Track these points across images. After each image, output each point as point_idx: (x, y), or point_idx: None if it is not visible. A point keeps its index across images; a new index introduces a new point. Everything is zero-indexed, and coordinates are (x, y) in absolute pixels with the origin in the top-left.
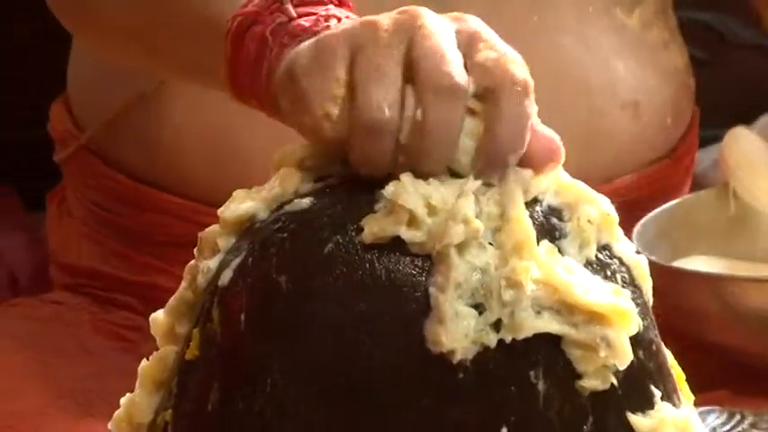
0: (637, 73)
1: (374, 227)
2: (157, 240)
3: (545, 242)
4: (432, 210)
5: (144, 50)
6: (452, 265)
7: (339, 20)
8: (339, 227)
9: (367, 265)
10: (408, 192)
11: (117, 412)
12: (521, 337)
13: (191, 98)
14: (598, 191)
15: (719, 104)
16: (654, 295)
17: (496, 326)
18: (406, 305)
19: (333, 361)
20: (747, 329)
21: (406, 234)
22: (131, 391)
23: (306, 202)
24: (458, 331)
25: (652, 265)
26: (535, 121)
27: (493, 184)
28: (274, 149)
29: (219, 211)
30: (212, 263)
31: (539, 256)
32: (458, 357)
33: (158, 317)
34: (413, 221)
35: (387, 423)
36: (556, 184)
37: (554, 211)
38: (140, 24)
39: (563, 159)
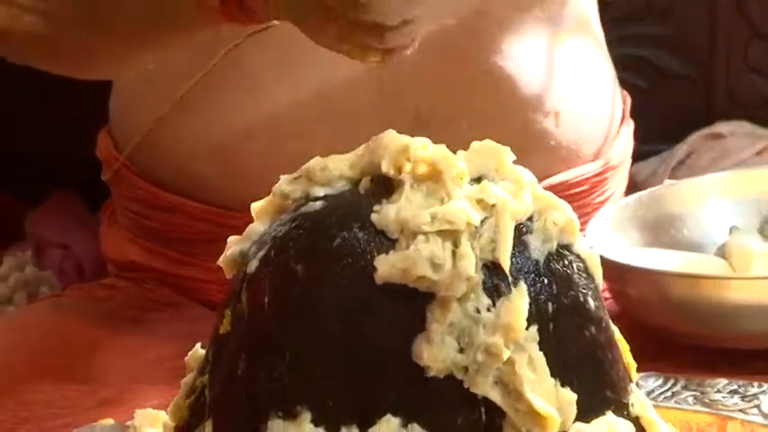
0: (562, 85)
1: (385, 266)
2: (182, 239)
3: (533, 328)
4: (437, 267)
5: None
6: (451, 308)
7: None
8: (345, 225)
9: (367, 257)
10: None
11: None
12: (475, 391)
13: (202, 118)
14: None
15: (656, 124)
16: (604, 282)
17: (465, 369)
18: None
19: (339, 337)
20: (675, 313)
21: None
22: (172, 356)
23: (318, 204)
24: (438, 355)
25: (602, 258)
26: None
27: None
28: (271, 161)
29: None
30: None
31: (520, 340)
32: (432, 373)
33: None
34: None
35: (380, 387)
36: (531, 194)
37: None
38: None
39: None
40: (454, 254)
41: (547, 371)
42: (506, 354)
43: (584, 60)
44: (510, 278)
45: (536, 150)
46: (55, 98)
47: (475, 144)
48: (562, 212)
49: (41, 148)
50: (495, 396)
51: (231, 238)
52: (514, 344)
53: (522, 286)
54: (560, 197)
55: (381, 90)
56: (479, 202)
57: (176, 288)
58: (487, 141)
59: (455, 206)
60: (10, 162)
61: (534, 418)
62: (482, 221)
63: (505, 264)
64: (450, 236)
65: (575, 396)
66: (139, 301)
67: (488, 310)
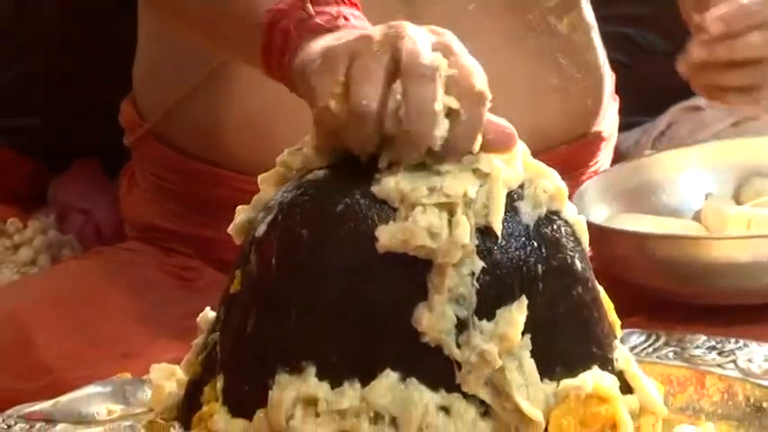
0: (565, 67)
1: (386, 236)
2: (202, 202)
3: (526, 337)
4: (434, 236)
5: (207, 35)
6: (448, 273)
7: (347, 19)
8: (348, 192)
9: (369, 222)
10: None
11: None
12: (465, 390)
13: (230, 90)
14: (541, 158)
15: (639, 99)
16: (590, 245)
17: (458, 364)
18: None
19: (342, 297)
20: (656, 272)
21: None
22: (187, 316)
23: (322, 173)
24: (436, 325)
25: (588, 223)
26: (490, 117)
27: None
28: (295, 131)
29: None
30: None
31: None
32: (426, 339)
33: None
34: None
35: (380, 344)
36: (522, 163)
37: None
38: (210, 16)
39: (517, 142)
40: (450, 222)
41: (536, 374)
42: (499, 363)
43: (587, 37)
44: (502, 242)
45: (544, 119)
46: (77, 73)
47: None
48: (552, 180)
49: (64, 120)
50: (485, 395)
51: (239, 208)
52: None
53: (524, 301)
54: (557, 167)
55: None
56: (475, 171)
57: (194, 248)
58: None
59: (452, 180)
60: (34, 133)
61: (521, 418)
62: (477, 189)
63: (497, 228)
64: (447, 207)
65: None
66: (157, 263)
67: (478, 280)
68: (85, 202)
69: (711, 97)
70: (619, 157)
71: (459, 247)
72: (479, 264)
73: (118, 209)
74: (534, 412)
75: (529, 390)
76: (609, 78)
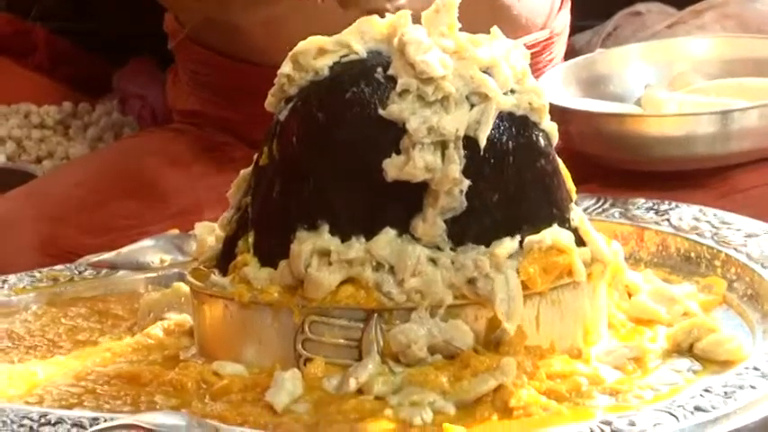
0: None
1: (393, 170)
2: (231, 90)
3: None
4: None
5: None
6: (441, 197)
7: None
8: (355, 82)
9: (372, 106)
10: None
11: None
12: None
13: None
14: None
15: (590, 4)
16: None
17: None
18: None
19: (350, 167)
20: (606, 144)
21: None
22: (222, 183)
23: (335, 67)
24: (429, 231)
25: (550, 104)
26: None
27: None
28: (305, 33)
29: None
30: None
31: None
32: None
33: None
34: None
35: (381, 206)
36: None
37: None
38: None
39: None
40: (444, 155)
41: (520, 290)
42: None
43: None
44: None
45: (501, 20)
46: None
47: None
48: (539, 98)
49: (125, 24)
50: (467, 292)
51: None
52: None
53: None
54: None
55: None
56: (479, 94)
57: (225, 128)
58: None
59: (449, 119)
60: (101, 35)
61: None
62: (475, 105)
63: (482, 142)
64: (441, 143)
65: None
66: (198, 141)
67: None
68: (142, 90)
69: None
70: (574, 53)
71: (450, 180)
72: (466, 183)
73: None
74: (510, 327)
75: (510, 305)
76: None
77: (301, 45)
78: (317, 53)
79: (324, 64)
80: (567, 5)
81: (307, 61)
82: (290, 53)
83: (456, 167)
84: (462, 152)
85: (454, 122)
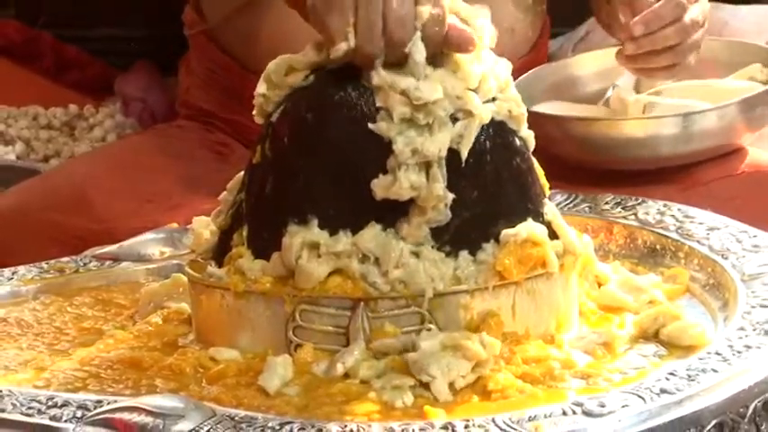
0: (512, 11)
1: (380, 190)
2: (239, 95)
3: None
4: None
5: None
6: (426, 211)
7: None
8: (342, 87)
9: (358, 108)
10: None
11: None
12: None
13: (266, 14)
14: None
15: (563, 12)
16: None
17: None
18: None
19: (338, 165)
20: (575, 146)
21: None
22: (220, 181)
23: (323, 73)
24: (414, 233)
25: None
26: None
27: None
28: None
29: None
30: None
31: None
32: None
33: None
34: None
35: (367, 203)
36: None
37: None
38: None
39: (476, 46)
40: (428, 175)
41: None
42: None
43: None
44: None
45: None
46: None
47: None
48: (519, 107)
49: (127, 29)
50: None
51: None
52: None
53: None
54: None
55: None
56: (463, 111)
57: (229, 129)
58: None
59: (432, 140)
60: (105, 40)
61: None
62: (459, 120)
63: (464, 155)
64: (425, 164)
65: None
66: (199, 138)
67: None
68: (144, 94)
69: (645, 75)
70: (547, 59)
71: (435, 197)
72: (450, 197)
73: (169, 99)
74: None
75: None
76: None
77: (272, 64)
78: (287, 70)
79: (296, 80)
80: (547, 35)
81: (280, 79)
82: (263, 73)
83: (440, 186)
84: (445, 169)
85: (437, 144)
